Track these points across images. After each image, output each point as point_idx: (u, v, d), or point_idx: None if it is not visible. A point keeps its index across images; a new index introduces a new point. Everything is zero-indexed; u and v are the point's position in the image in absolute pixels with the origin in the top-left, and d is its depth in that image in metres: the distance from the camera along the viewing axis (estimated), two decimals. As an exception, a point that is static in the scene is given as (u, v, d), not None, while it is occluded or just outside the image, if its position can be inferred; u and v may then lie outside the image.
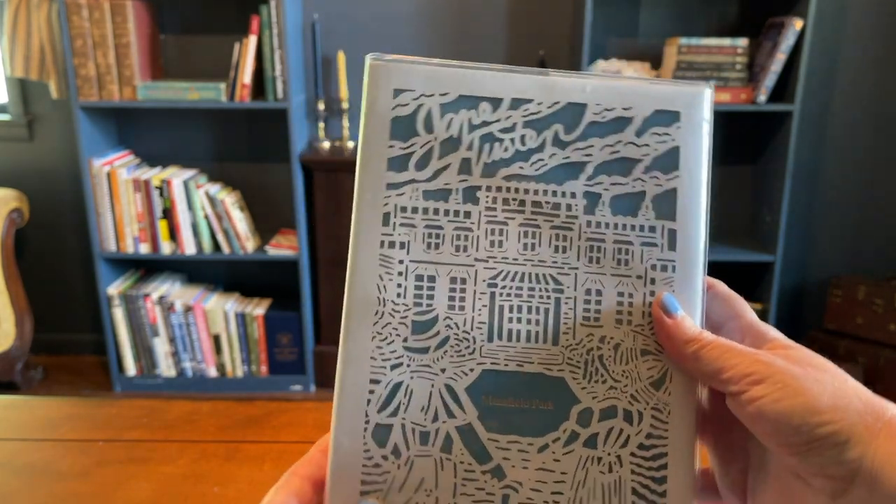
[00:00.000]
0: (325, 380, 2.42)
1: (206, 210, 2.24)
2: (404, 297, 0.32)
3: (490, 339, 0.32)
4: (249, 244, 2.29)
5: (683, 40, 2.13)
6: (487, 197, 0.33)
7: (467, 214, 0.33)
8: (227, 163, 2.44)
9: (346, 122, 2.33)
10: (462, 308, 0.32)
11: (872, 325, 2.26)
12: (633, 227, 0.33)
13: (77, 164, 2.36)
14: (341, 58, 2.25)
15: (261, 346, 2.37)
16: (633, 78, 0.34)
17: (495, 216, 0.33)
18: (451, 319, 0.32)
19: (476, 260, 0.32)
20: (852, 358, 2.28)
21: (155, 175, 2.23)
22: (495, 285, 0.32)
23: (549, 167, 0.33)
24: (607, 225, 0.33)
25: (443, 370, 0.32)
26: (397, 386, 0.32)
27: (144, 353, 2.37)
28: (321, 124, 2.33)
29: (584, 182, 0.33)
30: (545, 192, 0.33)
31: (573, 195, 0.33)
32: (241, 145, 2.43)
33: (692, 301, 0.33)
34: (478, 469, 0.31)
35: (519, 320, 0.32)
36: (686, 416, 0.32)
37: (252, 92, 2.15)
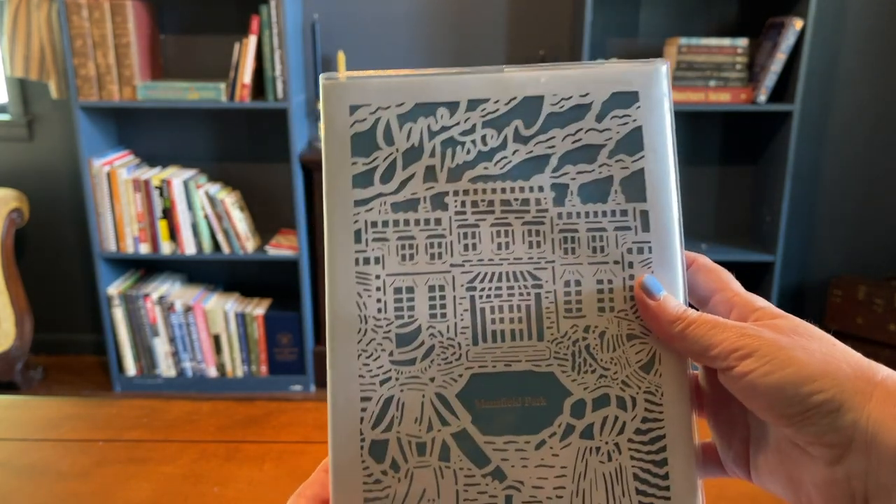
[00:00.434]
0: (325, 380, 2.41)
1: (206, 210, 2.24)
2: (385, 311, 0.32)
3: (475, 343, 0.32)
4: (249, 244, 2.29)
5: (683, 40, 2.13)
6: (456, 201, 0.33)
7: (438, 221, 0.33)
8: (227, 163, 2.44)
9: (346, 122, 2.32)
10: (444, 315, 0.32)
11: (872, 325, 2.26)
12: (604, 214, 0.33)
13: (77, 164, 2.36)
14: (341, 58, 2.25)
15: (261, 346, 2.37)
16: (587, 63, 0.34)
17: (466, 220, 0.33)
18: (435, 328, 0.32)
19: (452, 266, 0.33)
20: (852, 358, 2.28)
21: (155, 175, 2.23)
22: (474, 288, 0.33)
23: (514, 164, 0.33)
24: (578, 214, 0.33)
25: (432, 379, 0.32)
26: (389, 400, 0.32)
27: (144, 353, 2.37)
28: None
29: (549, 175, 0.33)
30: (512, 189, 0.33)
31: (541, 189, 0.33)
32: (241, 145, 2.43)
33: (673, 280, 0.33)
34: (478, 473, 0.31)
35: (502, 320, 0.32)
36: (679, 395, 0.32)
37: (252, 92, 2.15)
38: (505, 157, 0.33)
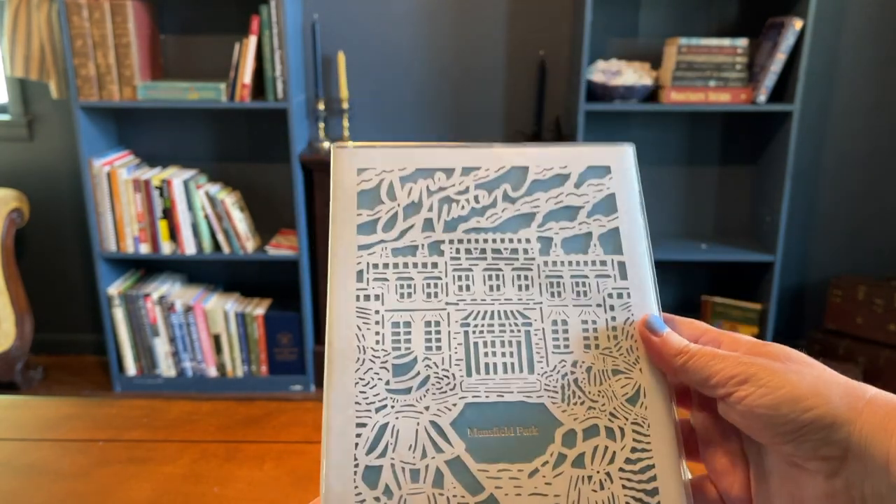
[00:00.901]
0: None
1: (207, 210, 2.24)
2: (383, 343, 0.34)
3: (469, 374, 0.34)
4: (249, 244, 2.29)
5: (683, 40, 2.13)
6: (451, 248, 0.36)
7: (434, 265, 0.36)
8: (227, 163, 2.44)
9: (346, 122, 2.33)
10: (439, 348, 0.34)
11: (872, 325, 2.26)
12: (586, 263, 0.37)
13: (77, 164, 2.36)
14: (341, 58, 2.25)
15: (261, 346, 2.37)
16: (565, 144, 0.39)
17: (460, 264, 0.36)
18: (430, 359, 0.34)
19: (447, 304, 0.35)
20: (852, 358, 2.28)
21: (155, 175, 2.23)
22: (468, 325, 0.35)
23: (503, 219, 0.37)
24: (563, 263, 0.37)
25: (426, 408, 0.33)
26: (383, 427, 0.33)
27: (144, 353, 2.37)
28: (321, 124, 2.33)
29: (536, 229, 0.37)
30: (503, 240, 0.37)
31: (528, 241, 0.37)
32: (241, 145, 2.43)
33: None
34: (471, 501, 0.32)
35: (494, 354, 0.35)
36: (665, 426, 0.34)
37: (252, 92, 2.15)
38: (495, 214, 0.37)
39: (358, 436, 0.32)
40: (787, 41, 2.07)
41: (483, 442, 0.33)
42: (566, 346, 0.35)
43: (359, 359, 0.34)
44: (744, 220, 2.46)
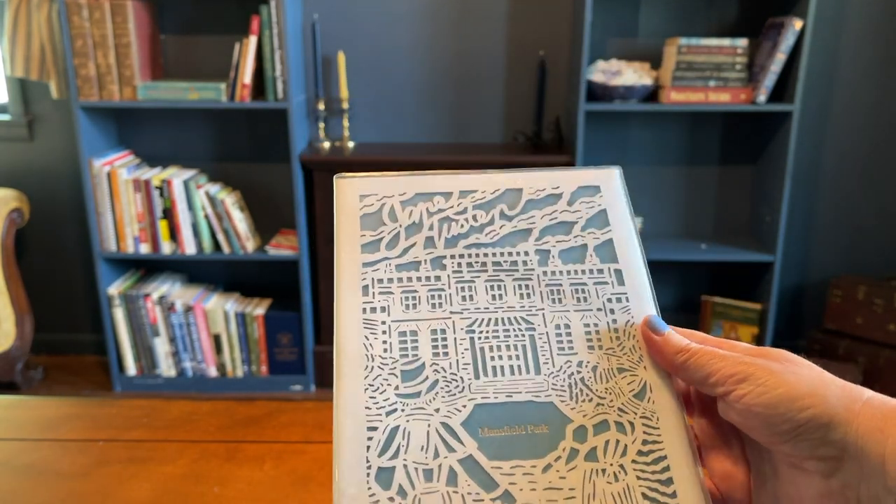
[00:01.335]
0: (325, 380, 2.42)
1: (207, 210, 2.24)
2: (391, 351, 0.35)
3: (477, 377, 0.35)
4: (249, 244, 2.29)
5: (683, 40, 2.13)
6: (453, 263, 0.38)
7: (437, 278, 0.38)
8: (227, 163, 2.44)
9: (346, 122, 2.33)
10: (446, 354, 0.35)
11: (872, 325, 2.26)
12: (584, 272, 0.38)
13: (77, 164, 2.36)
14: (341, 58, 2.25)
15: (261, 346, 2.37)
16: (552, 169, 0.41)
17: (462, 276, 0.38)
18: (438, 364, 0.35)
19: (452, 313, 0.37)
20: (852, 358, 2.28)
21: (155, 175, 2.23)
22: (473, 331, 0.36)
23: (502, 235, 0.39)
24: (561, 272, 0.38)
25: (437, 410, 0.34)
26: (395, 430, 0.33)
27: (144, 352, 2.37)
28: (321, 124, 2.33)
29: (533, 242, 0.39)
30: (502, 253, 0.38)
31: (526, 253, 0.39)
32: (241, 145, 2.43)
33: None
34: (486, 498, 0.32)
35: (500, 357, 0.36)
36: (674, 419, 0.34)
37: (252, 92, 2.15)
38: (493, 230, 0.39)
39: (370, 439, 0.33)
40: (787, 41, 2.07)
41: (494, 440, 0.33)
42: (570, 348, 0.36)
43: (367, 366, 0.34)
44: (743, 220, 2.46)
